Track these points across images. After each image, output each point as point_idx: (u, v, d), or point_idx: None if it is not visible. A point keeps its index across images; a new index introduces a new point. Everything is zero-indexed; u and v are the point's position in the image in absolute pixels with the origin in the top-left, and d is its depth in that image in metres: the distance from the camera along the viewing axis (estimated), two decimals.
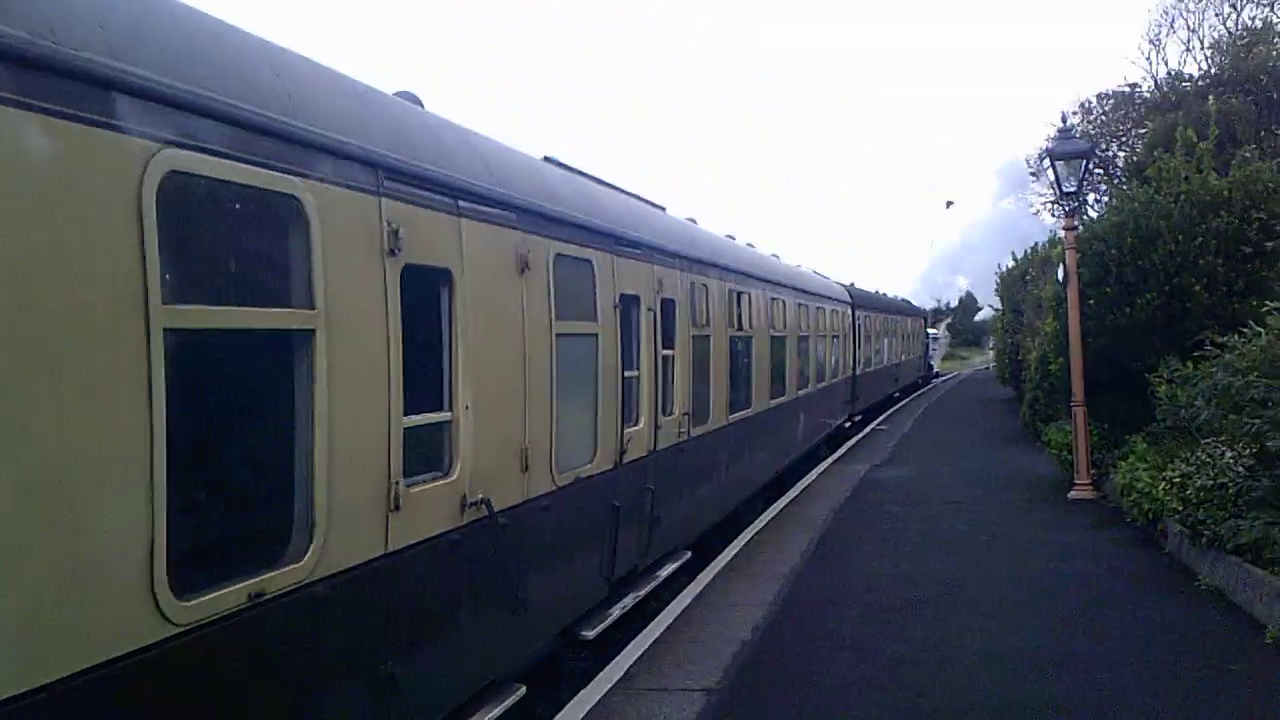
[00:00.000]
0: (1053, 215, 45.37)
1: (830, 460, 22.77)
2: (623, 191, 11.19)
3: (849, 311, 27.97)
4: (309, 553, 5.00)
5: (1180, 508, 10.97)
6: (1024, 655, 8.46)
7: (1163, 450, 12.97)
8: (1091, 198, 31.94)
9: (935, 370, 62.98)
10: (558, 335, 8.06)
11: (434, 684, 6.28)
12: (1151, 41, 49.72)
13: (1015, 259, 36.54)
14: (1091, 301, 15.62)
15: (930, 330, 63.65)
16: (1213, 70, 30.39)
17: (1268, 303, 10.77)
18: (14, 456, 3.57)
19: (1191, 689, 7.43)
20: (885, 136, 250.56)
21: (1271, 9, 34.49)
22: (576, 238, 8.65)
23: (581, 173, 10.00)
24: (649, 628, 9.86)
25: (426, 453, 6.27)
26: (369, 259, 5.58)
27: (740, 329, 14.73)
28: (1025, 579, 11.08)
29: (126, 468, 4.01)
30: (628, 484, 9.84)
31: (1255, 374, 9.77)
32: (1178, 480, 11.26)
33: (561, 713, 7.76)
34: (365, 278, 5.55)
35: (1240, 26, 34.65)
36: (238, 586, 4.52)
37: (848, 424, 28.59)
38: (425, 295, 6.28)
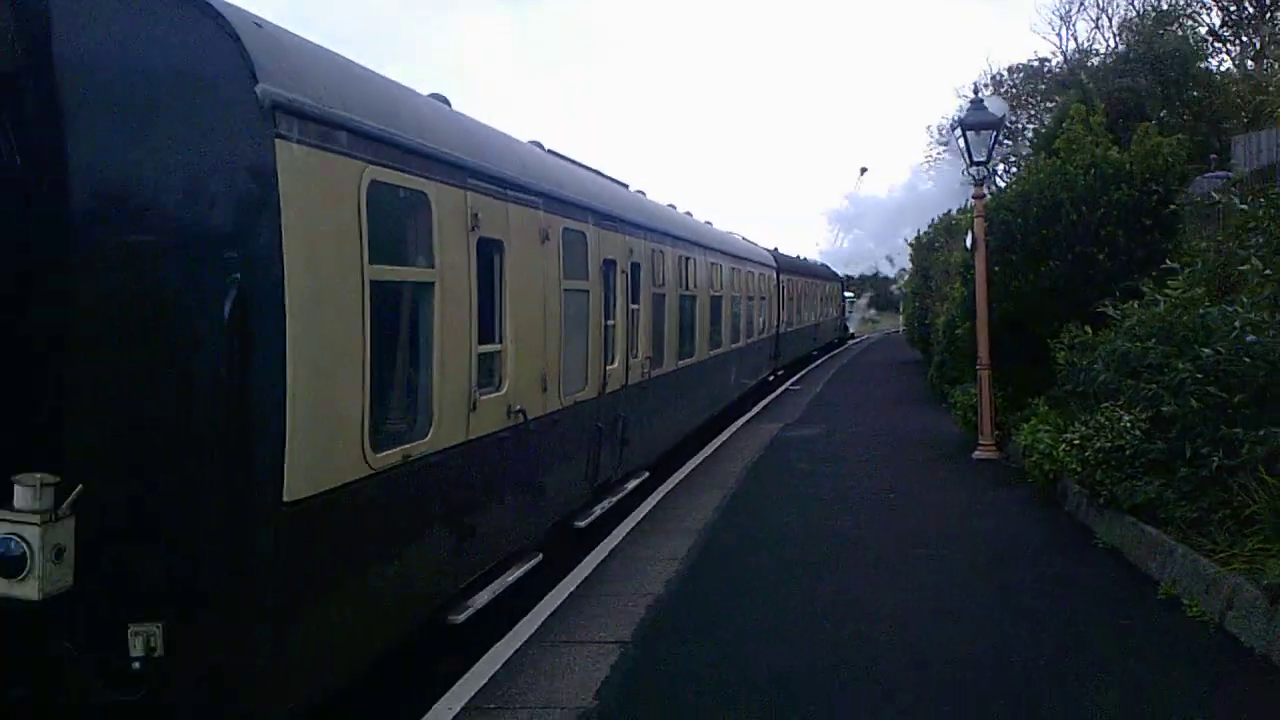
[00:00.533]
0: (961, 183, 46.03)
1: (744, 419, 22.90)
2: (602, 175, 13.44)
3: (774, 275, 29.93)
4: (430, 434, 7.24)
5: (1079, 469, 11.18)
6: (929, 609, 8.60)
7: (1063, 413, 13.19)
8: (1000, 168, 32.43)
9: (851, 332, 65.47)
10: (564, 290, 10.29)
11: (491, 537, 8.59)
12: (1062, 18, 50.46)
13: (932, 224, 37.00)
14: (997, 268, 15.83)
15: (847, 294, 67.12)
16: (1120, 48, 30.89)
17: (1167, 262, 10.97)
18: (309, 362, 5.70)
19: (1091, 642, 7.60)
20: (822, 97, 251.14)
21: None
22: (576, 215, 10.84)
23: (574, 160, 12.27)
24: (564, 581, 9.84)
25: (486, 373, 8.42)
26: (460, 233, 7.76)
27: (687, 289, 17.21)
28: (930, 535, 11.25)
29: (357, 370, 6.22)
30: (607, 410, 12.14)
31: (1153, 341, 9.98)
32: (1077, 442, 11.46)
33: (477, 664, 7.74)
34: (458, 246, 7.72)
35: (1147, 6, 35.28)
36: (397, 450, 6.77)
37: (771, 378, 30.71)
38: (487, 259, 8.40)
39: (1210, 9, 35.27)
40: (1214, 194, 10.72)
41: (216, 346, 5.40)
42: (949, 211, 34.99)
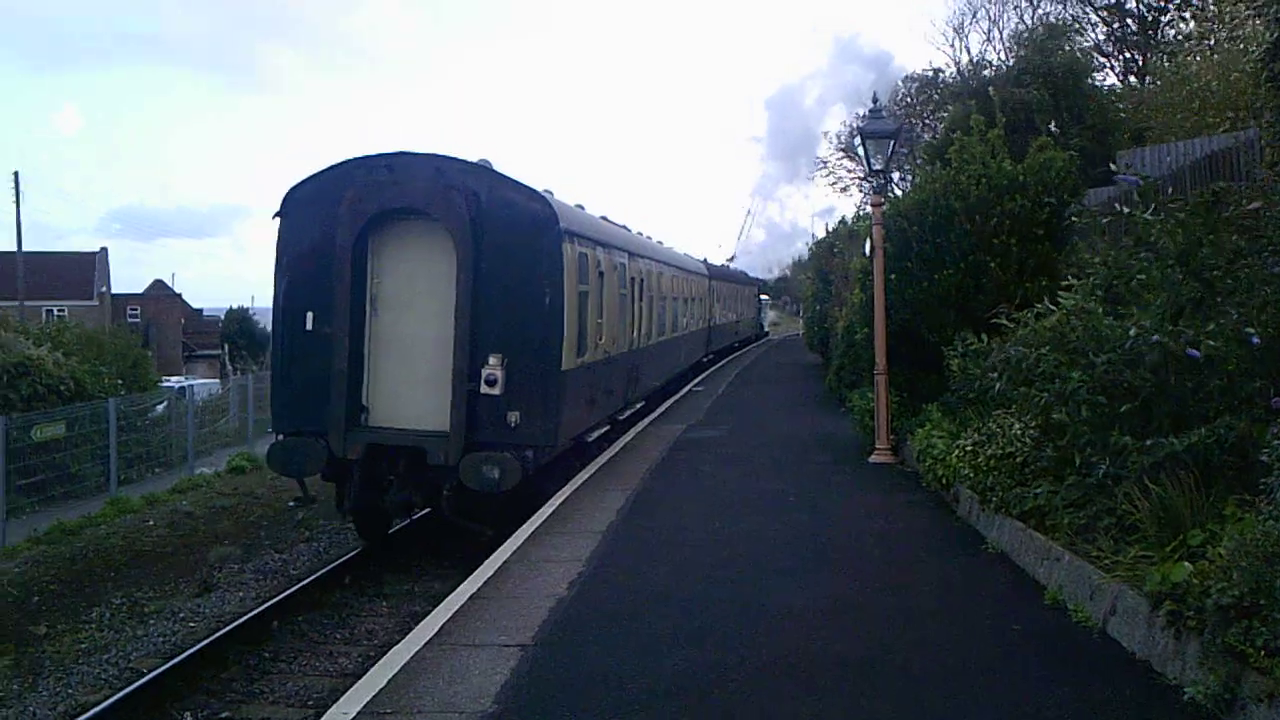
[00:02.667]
0: (860, 190, 46.59)
1: (648, 420, 22.95)
2: (626, 227, 22.95)
3: (707, 281, 38.62)
4: (587, 355, 16.37)
5: (971, 474, 11.37)
6: (825, 610, 8.65)
7: (956, 419, 13.42)
8: (896, 175, 32.92)
9: (766, 330, 76.18)
10: (619, 294, 19.54)
11: (598, 411, 17.64)
12: (955, 29, 51.38)
13: (827, 231, 37.42)
14: (894, 276, 16.04)
15: (763, 296, 79.22)
16: (1011, 61, 31.50)
17: (1070, 279, 11.19)
18: (568, 322, 14.68)
19: (978, 644, 7.70)
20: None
21: (1064, 5, 36.02)
22: (621, 254, 20.07)
23: (614, 221, 21.65)
24: (463, 586, 9.73)
25: (598, 331, 17.19)
26: (595, 269, 17.02)
27: (661, 293, 25.93)
28: (828, 537, 11.36)
29: (576, 325, 15.33)
30: (631, 359, 21.34)
31: (1047, 349, 10.13)
32: (970, 449, 11.67)
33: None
34: (595, 274, 16.98)
35: (1037, 20, 36.07)
36: (580, 359, 15.86)
37: (705, 359, 39.66)
38: (600, 278, 17.31)
39: (1095, 25, 36.25)
40: (1117, 204, 10.84)
41: (542, 314, 14.06)
42: (843, 219, 35.43)
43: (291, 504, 16.69)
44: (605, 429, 19.08)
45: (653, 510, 13.16)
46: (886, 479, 14.92)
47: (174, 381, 42.67)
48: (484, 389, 13.92)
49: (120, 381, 27.97)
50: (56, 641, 13.06)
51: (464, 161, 14.51)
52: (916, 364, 15.69)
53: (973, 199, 15.31)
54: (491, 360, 13.91)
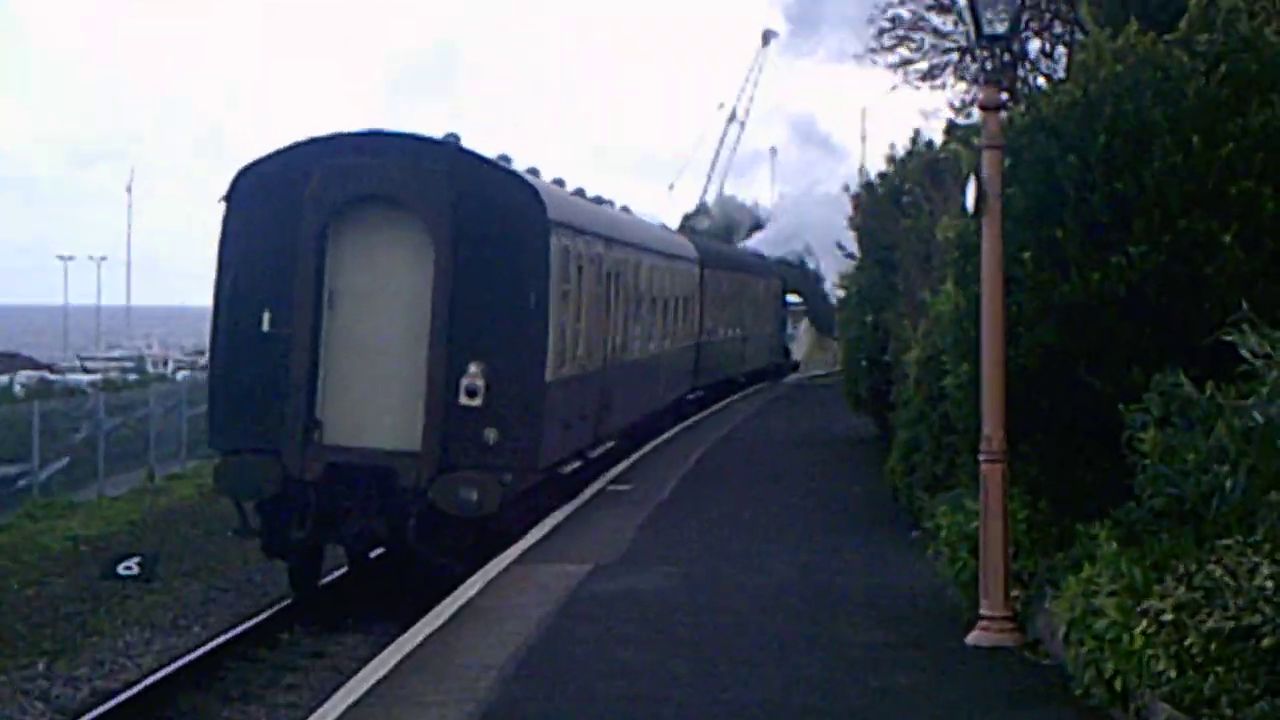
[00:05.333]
0: (961, 78, 46.80)
1: (516, 553, 23.02)
2: (578, 191, 40.40)
3: (697, 272, 55.84)
4: (565, 367, 33.42)
5: (1173, 672, 11.21)
6: None
7: (1146, 555, 13.29)
8: (1035, 46, 33.20)
9: (793, 358, 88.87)
10: (595, 293, 36.96)
11: (572, 438, 33.69)
12: None
13: (890, 162, 37.68)
14: (1028, 255, 15.90)
15: (790, 297, 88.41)
16: None
17: None
18: (552, 326, 30.70)
19: None
20: None
21: None
22: (597, 241, 37.43)
23: (563, 184, 38.36)
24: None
25: (574, 344, 35.03)
26: (576, 264, 34.08)
27: (639, 291, 43.69)
28: None
29: (559, 331, 31.75)
30: (604, 380, 38.73)
31: None
32: (1170, 618, 11.50)
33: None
34: (574, 270, 34.39)
35: None
36: (562, 373, 32.40)
37: (691, 395, 55.41)
38: (578, 275, 34.62)
39: None
40: None
41: (527, 316, 27.92)
42: (916, 136, 35.78)
43: (230, 533, 25.13)
44: (577, 464, 32.46)
45: None
46: (1004, 682, 14.82)
47: None
48: (463, 399, 24.57)
49: None
50: None
51: (442, 143, 25.57)
52: (1068, 437, 15.53)
53: (1190, 101, 15.15)
54: (472, 368, 24.38)
